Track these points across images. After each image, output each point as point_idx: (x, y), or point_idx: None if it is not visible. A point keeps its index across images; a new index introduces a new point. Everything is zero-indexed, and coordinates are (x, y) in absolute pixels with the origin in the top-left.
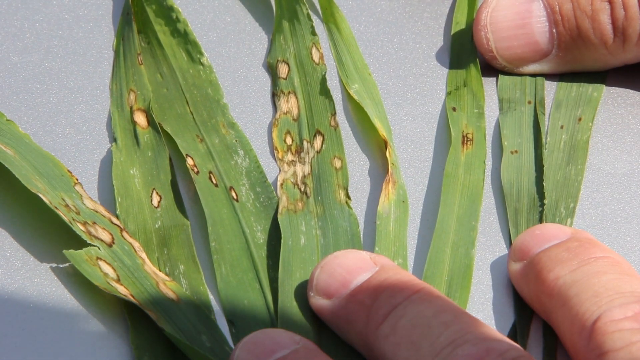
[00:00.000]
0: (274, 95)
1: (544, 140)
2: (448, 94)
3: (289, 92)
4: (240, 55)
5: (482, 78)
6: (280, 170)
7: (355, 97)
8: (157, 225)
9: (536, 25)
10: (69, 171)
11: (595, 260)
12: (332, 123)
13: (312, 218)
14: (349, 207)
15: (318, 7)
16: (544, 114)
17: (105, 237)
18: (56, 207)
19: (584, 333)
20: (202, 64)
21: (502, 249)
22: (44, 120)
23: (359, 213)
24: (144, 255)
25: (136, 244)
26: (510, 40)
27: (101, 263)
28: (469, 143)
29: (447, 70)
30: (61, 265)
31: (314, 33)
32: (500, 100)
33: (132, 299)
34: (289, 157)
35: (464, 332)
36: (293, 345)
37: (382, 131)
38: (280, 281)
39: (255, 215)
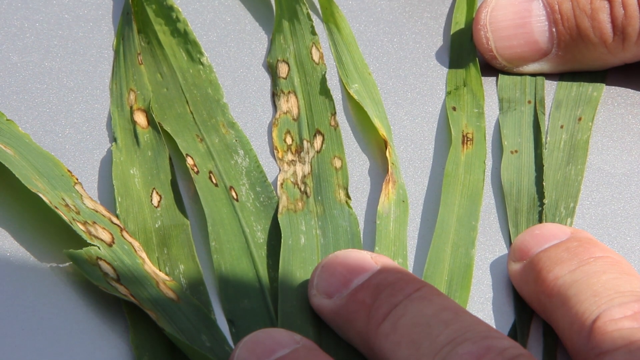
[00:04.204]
0: (274, 95)
1: (544, 140)
2: (448, 93)
3: (288, 92)
4: (240, 55)
5: (482, 78)
6: (280, 170)
7: (355, 97)
8: (157, 225)
9: (536, 24)
10: (68, 171)
11: (594, 260)
12: (332, 123)
13: (312, 218)
14: (349, 206)
15: (318, 6)
16: (544, 114)
17: (105, 236)
18: (56, 207)
19: (584, 332)
20: (202, 63)
21: (502, 249)
22: (44, 120)
23: (359, 213)
24: (144, 255)
25: (136, 244)
26: (509, 39)
27: (101, 263)
28: (469, 143)
29: (447, 70)
30: (61, 265)
31: (313, 33)
32: (500, 100)
33: (132, 298)
34: (289, 156)
35: (464, 331)
36: (293, 344)
37: (382, 131)
38: (280, 281)
39: (255, 215)
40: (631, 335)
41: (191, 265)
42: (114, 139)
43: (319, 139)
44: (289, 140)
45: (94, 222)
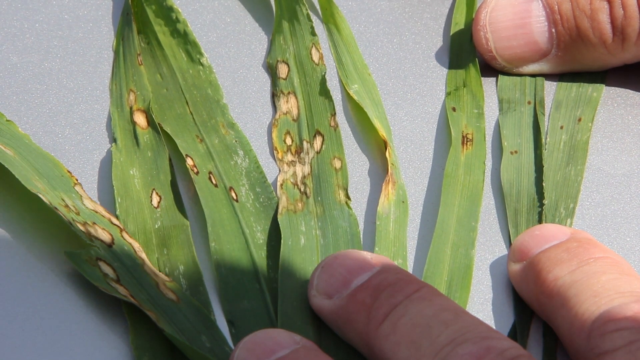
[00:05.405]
0: (274, 96)
1: (543, 140)
2: (448, 94)
3: (288, 93)
4: (240, 55)
5: (482, 78)
6: (280, 170)
7: (355, 98)
8: (156, 226)
9: (535, 25)
10: (68, 171)
11: (594, 260)
12: (332, 123)
13: (312, 218)
14: (349, 207)
15: (318, 7)
16: (543, 114)
17: (105, 237)
18: (56, 208)
19: (584, 333)
20: (201, 64)
21: (501, 249)
22: (44, 120)
23: (359, 213)
24: (143, 255)
25: (136, 245)
26: (509, 40)
27: (101, 263)
28: (468, 143)
29: (447, 70)
30: (61, 265)
31: (313, 33)
32: (500, 101)
33: (132, 299)
34: (289, 157)
35: (464, 331)
36: (293, 345)
37: (382, 131)
38: (280, 281)
39: (255, 216)
40: (631, 335)
41: (191, 265)
42: (113, 140)
43: (318, 140)
44: (288, 141)
45: (94, 223)
